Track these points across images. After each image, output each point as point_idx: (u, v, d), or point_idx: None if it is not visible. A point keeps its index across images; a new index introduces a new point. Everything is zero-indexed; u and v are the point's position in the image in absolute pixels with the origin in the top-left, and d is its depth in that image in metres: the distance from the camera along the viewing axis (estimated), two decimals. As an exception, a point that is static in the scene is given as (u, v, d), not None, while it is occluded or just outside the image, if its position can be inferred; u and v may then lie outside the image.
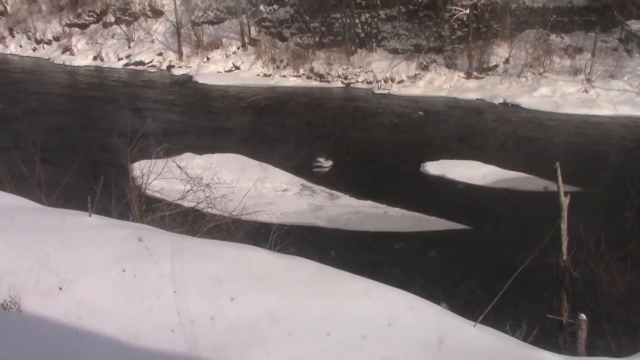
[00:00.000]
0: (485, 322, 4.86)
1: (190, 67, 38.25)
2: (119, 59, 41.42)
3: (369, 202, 17.72)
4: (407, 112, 28.74)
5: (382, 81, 32.49)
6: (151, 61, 40.08)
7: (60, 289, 4.19)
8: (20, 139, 12.73)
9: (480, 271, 13.09)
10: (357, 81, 33.46)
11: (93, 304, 4.16)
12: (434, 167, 20.31)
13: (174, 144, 17.25)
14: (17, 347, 3.65)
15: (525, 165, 19.62)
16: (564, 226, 6.29)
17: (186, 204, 9.68)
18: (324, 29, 35.87)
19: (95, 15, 45.04)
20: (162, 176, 9.64)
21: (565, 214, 6.33)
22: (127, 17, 43.15)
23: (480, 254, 14.31)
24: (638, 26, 29.43)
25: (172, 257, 4.71)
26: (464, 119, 27.22)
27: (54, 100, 33.31)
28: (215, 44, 38.61)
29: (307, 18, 35.76)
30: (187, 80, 36.69)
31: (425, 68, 32.39)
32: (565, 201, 6.33)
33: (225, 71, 37.10)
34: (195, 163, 18.38)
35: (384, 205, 17.43)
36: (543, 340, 5.48)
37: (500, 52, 31.37)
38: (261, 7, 38.13)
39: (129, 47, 41.86)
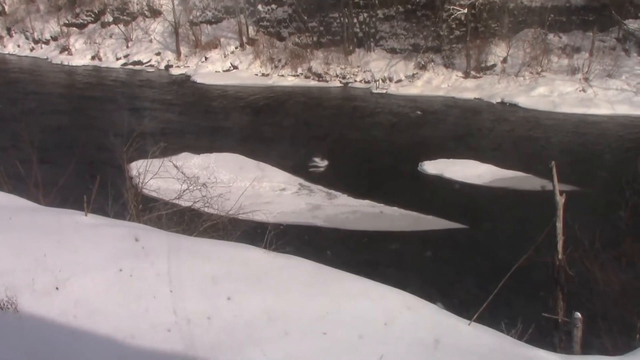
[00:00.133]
0: (480, 321, 4.87)
1: (188, 66, 38.24)
2: (117, 59, 41.40)
3: (366, 202, 17.75)
4: (405, 111, 28.77)
5: (380, 81, 32.51)
6: (149, 61, 40.07)
7: (57, 288, 4.20)
8: (18, 138, 12.73)
9: (476, 270, 13.11)
10: (355, 81, 33.49)
11: (89, 304, 4.16)
12: (432, 167, 20.35)
13: (172, 143, 17.24)
14: (14, 347, 3.66)
15: (523, 164, 19.66)
16: (559, 225, 6.31)
17: (183, 203, 9.70)
18: (322, 28, 35.88)
19: (93, 15, 45.00)
20: (159, 175, 9.65)
21: (560, 212, 6.35)
22: (125, 17, 43.12)
23: (477, 253, 14.35)
24: (636, 25, 29.50)
25: (169, 257, 4.71)
26: (461, 118, 27.25)
27: (52, 100, 33.27)
28: (213, 44, 38.61)
29: (305, 18, 35.76)
30: (185, 79, 36.67)
31: (423, 67, 32.43)
32: (560, 200, 6.35)
33: (224, 71, 37.11)
34: (192, 162, 18.40)
35: (382, 204, 17.45)
36: (538, 339, 5.50)
37: (498, 52, 31.42)
38: (259, 6, 38.12)
39: (127, 46, 41.83)
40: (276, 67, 35.76)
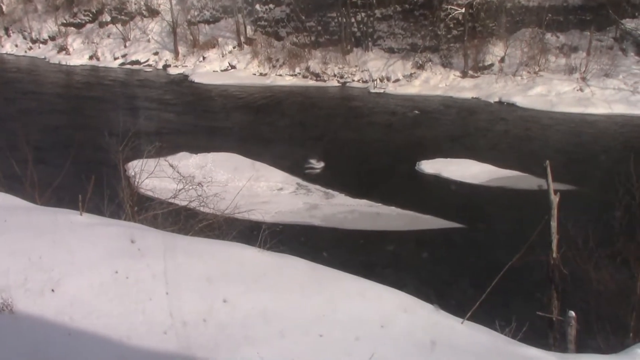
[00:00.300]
0: (475, 320, 4.89)
1: (186, 66, 38.20)
2: (115, 59, 41.34)
3: (364, 201, 17.77)
4: (403, 111, 28.78)
5: (378, 80, 32.52)
6: (147, 60, 40.01)
7: (53, 290, 4.19)
8: (15, 138, 12.72)
9: (473, 269, 13.12)
10: (353, 80, 33.48)
11: (85, 305, 4.15)
12: (429, 166, 20.37)
13: (170, 143, 17.24)
14: (10, 348, 3.66)
15: (520, 163, 19.68)
16: (553, 224, 6.34)
17: (179, 202, 9.69)
18: (319, 28, 35.87)
19: (91, 15, 44.92)
20: (155, 175, 9.65)
21: (555, 211, 6.37)
22: (123, 17, 43.04)
23: (473, 252, 14.38)
24: (633, 25, 29.54)
25: (164, 257, 4.71)
26: (459, 117, 27.29)
27: (49, 100, 33.22)
28: (211, 43, 38.57)
29: (303, 17, 35.75)
30: (183, 79, 36.64)
31: (421, 67, 32.44)
32: (555, 199, 6.37)
33: (221, 70, 37.07)
34: (190, 162, 18.43)
35: (379, 204, 17.47)
36: (533, 338, 5.53)
37: (495, 51, 31.44)
38: (257, 6, 38.09)
39: (125, 46, 41.77)
40: (274, 66, 35.74)
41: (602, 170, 19.34)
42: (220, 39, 38.72)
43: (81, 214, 5.60)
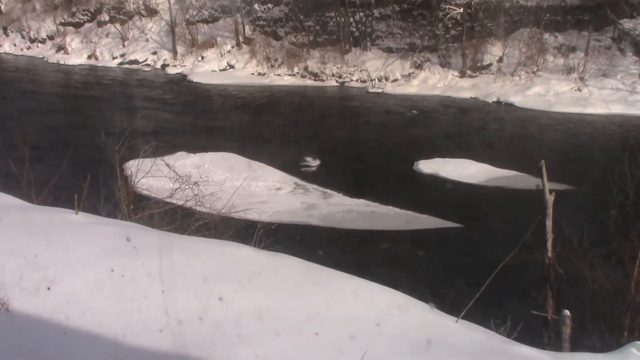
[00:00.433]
0: (470, 319, 4.90)
1: (184, 66, 38.21)
2: (114, 58, 41.33)
3: (361, 201, 17.79)
4: (401, 110, 28.82)
5: (376, 80, 32.55)
6: (145, 60, 40.01)
7: (49, 288, 4.20)
8: (12, 137, 12.70)
9: (469, 269, 13.15)
10: (352, 80, 33.51)
11: (81, 303, 4.16)
12: (427, 166, 20.41)
13: (168, 142, 17.29)
14: (6, 346, 3.67)
15: (518, 163, 19.71)
16: (548, 223, 6.36)
17: (175, 202, 9.70)
18: (318, 27, 35.89)
19: (89, 14, 44.90)
20: (152, 174, 9.66)
21: (550, 211, 6.40)
22: (121, 16, 43.03)
23: (470, 251, 14.39)
24: (631, 25, 29.60)
25: (160, 256, 4.72)
26: (457, 117, 27.32)
27: (47, 99, 33.20)
28: (210, 43, 38.58)
29: (302, 17, 35.77)
30: (181, 79, 36.64)
31: (419, 67, 32.48)
32: (550, 198, 6.40)
33: (220, 70, 37.08)
34: (188, 162, 18.43)
35: (377, 203, 17.50)
36: (527, 337, 5.55)
37: (494, 51, 31.49)
38: (255, 6, 38.10)
39: (124, 46, 41.75)
40: (272, 66, 35.76)
41: (598, 169, 19.38)
42: (218, 39, 38.72)
43: (77, 213, 5.60)
